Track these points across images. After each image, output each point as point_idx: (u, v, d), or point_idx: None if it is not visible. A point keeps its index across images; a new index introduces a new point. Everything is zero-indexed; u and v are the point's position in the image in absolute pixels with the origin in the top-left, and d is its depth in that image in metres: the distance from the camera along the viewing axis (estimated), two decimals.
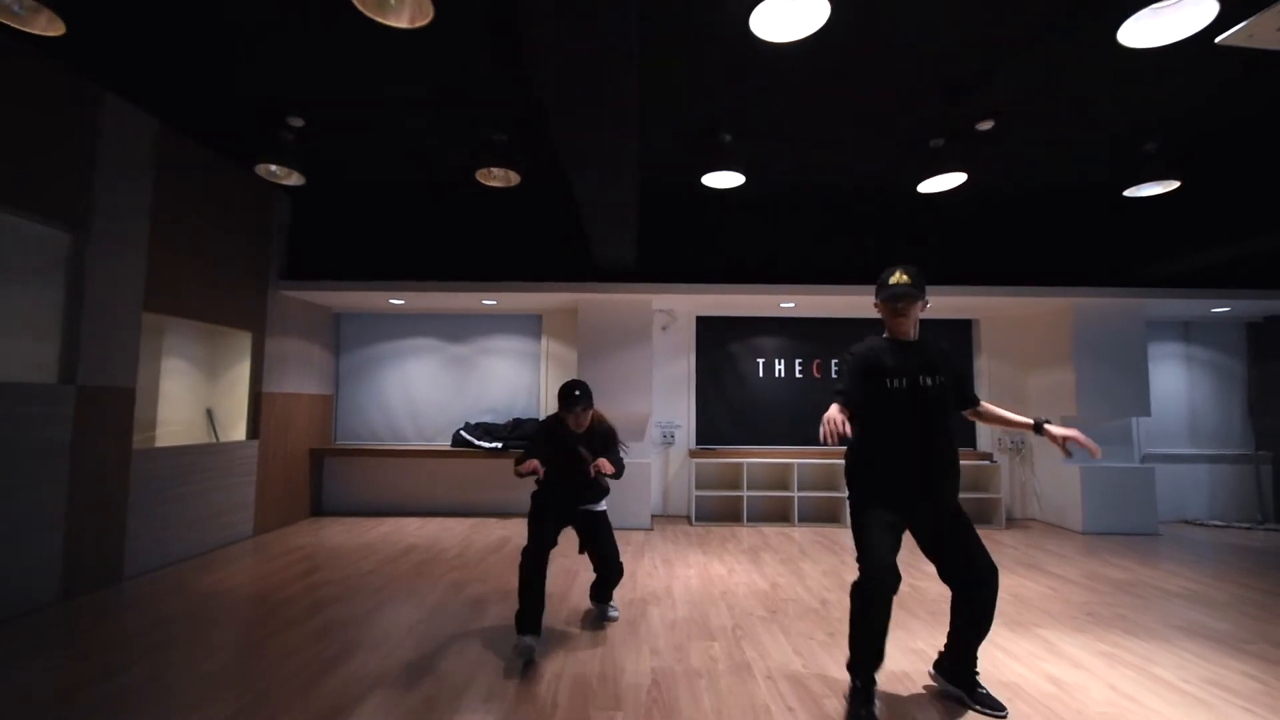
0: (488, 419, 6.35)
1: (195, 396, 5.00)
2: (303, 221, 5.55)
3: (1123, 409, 5.69)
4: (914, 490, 2.23)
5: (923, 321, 2.39)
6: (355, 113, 3.89)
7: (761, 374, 6.50)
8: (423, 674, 2.54)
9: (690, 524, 5.89)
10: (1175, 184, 4.00)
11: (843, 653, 2.79)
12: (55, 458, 3.34)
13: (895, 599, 2.18)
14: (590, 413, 3.00)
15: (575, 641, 2.92)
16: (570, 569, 4.09)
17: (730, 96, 3.60)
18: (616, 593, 3.33)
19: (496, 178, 4.20)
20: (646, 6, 2.77)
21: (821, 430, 2.03)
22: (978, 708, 2.26)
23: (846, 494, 2.39)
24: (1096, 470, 5.66)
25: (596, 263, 5.19)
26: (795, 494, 5.89)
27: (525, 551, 2.78)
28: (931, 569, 2.69)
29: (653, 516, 6.11)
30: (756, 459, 5.98)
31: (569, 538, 3.14)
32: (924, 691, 2.43)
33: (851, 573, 4.18)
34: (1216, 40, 2.12)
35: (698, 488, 6.01)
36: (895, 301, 2.29)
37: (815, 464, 6.05)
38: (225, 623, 3.12)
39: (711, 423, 6.46)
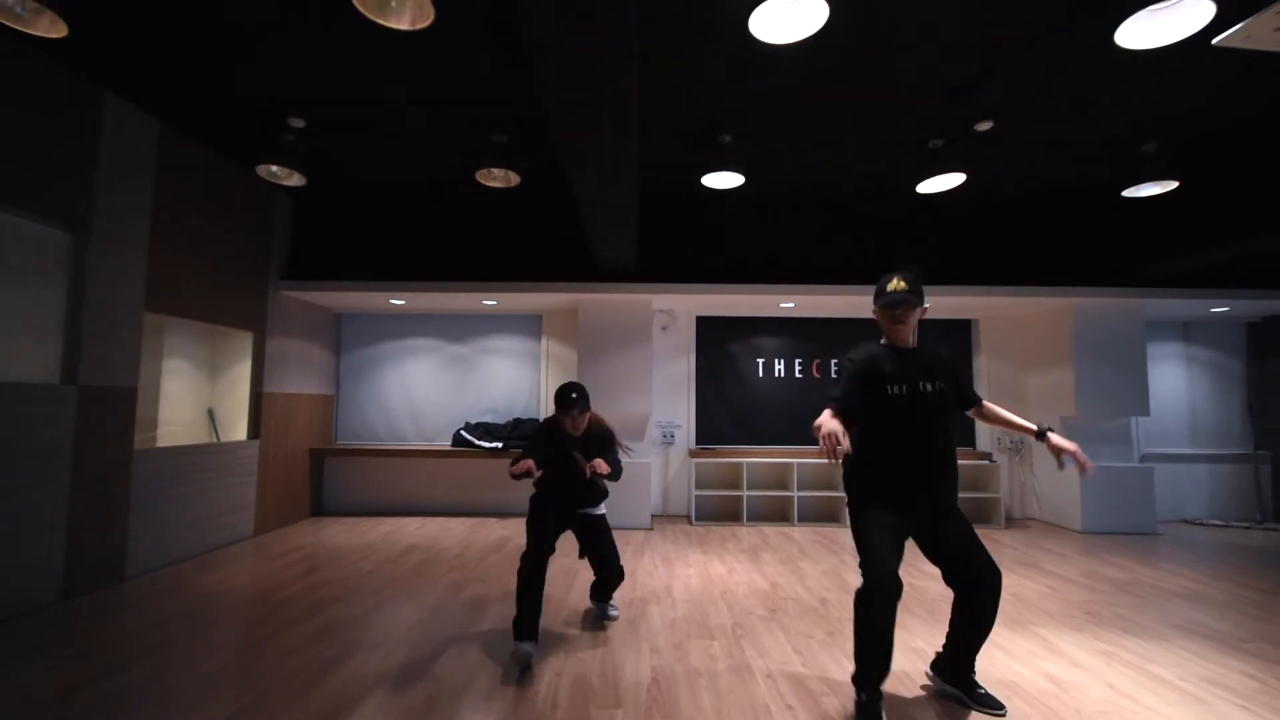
0: (488, 419, 6.36)
1: (196, 396, 5.01)
2: (303, 222, 5.57)
3: (1122, 409, 5.70)
4: (914, 487, 2.23)
5: (922, 322, 2.38)
6: (356, 113, 3.90)
7: (761, 374, 6.51)
8: (423, 674, 2.55)
9: (690, 523, 5.90)
10: (1174, 184, 4.01)
11: (842, 651, 2.81)
12: (57, 458, 3.35)
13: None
14: (587, 415, 2.98)
15: (575, 640, 2.93)
16: (570, 568, 4.09)
17: (730, 97, 3.61)
18: (616, 592, 3.33)
19: (497, 178, 4.21)
20: (646, 6, 2.77)
21: (821, 445, 1.99)
22: (977, 707, 2.27)
23: (845, 497, 2.38)
24: (1096, 470, 5.66)
25: (596, 263, 5.20)
26: (795, 494, 5.90)
27: (524, 557, 2.76)
28: (931, 568, 2.69)
29: (653, 516, 6.12)
30: (756, 459, 5.98)
31: (569, 539, 3.14)
32: (923, 691, 2.43)
33: (851, 571, 4.20)
34: (1214, 41, 2.12)
35: (697, 487, 6.02)
36: (893, 309, 2.28)
37: (815, 464, 6.05)
38: (226, 623, 3.12)
39: (711, 423, 6.47)
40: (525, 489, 3.02)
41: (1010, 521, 6.15)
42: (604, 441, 3.02)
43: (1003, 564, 3.80)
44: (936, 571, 2.33)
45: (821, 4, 2.56)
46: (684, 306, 6.29)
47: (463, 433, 6.06)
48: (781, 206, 5.46)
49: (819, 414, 2.10)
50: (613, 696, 2.37)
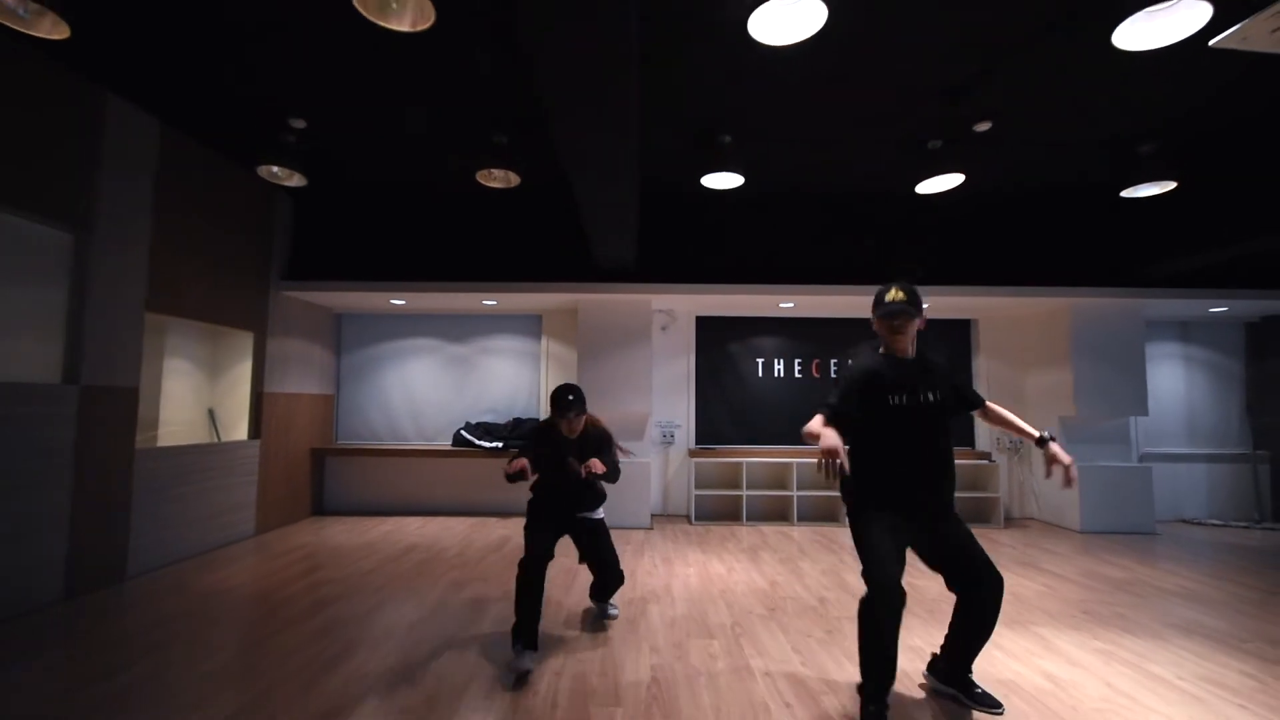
0: (488, 419, 6.36)
1: (197, 396, 5.02)
2: (304, 222, 5.57)
3: (1121, 408, 5.71)
4: (914, 487, 2.23)
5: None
6: (356, 114, 3.90)
7: (761, 374, 6.52)
8: (423, 673, 2.56)
9: (690, 523, 5.91)
10: (1173, 185, 4.02)
11: (841, 650, 2.82)
12: (58, 457, 3.36)
13: None
14: (584, 418, 2.96)
15: (575, 640, 2.94)
16: (570, 569, 4.10)
17: (730, 97, 3.61)
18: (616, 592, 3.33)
19: (497, 178, 4.22)
20: (646, 6, 2.78)
21: (818, 463, 1.99)
22: (975, 705, 2.27)
23: (844, 500, 2.37)
24: (1094, 470, 5.67)
25: (596, 263, 5.21)
26: (794, 493, 5.91)
27: (522, 563, 2.72)
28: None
29: (652, 516, 6.12)
30: (756, 458, 5.99)
31: (569, 541, 3.14)
32: (920, 690, 2.44)
33: (850, 571, 4.21)
34: (1211, 43, 2.13)
35: (697, 487, 6.03)
36: (892, 319, 2.28)
37: (814, 464, 6.04)
38: (226, 622, 3.13)
39: (711, 422, 6.47)
40: (525, 490, 3.01)
41: (1009, 521, 6.16)
42: (600, 444, 2.98)
43: (1001, 563, 3.80)
44: (944, 580, 2.31)
45: (820, 6, 2.57)
46: (684, 306, 6.30)
47: (463, 433, 6.07)
48: (781, 207, 5.47)
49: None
50: (612, 695, 2.38)
